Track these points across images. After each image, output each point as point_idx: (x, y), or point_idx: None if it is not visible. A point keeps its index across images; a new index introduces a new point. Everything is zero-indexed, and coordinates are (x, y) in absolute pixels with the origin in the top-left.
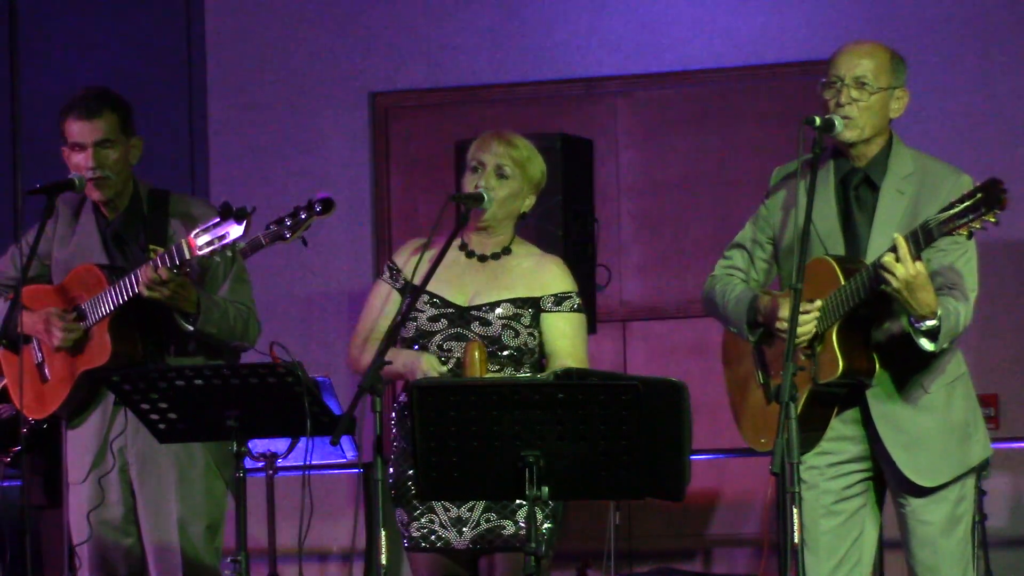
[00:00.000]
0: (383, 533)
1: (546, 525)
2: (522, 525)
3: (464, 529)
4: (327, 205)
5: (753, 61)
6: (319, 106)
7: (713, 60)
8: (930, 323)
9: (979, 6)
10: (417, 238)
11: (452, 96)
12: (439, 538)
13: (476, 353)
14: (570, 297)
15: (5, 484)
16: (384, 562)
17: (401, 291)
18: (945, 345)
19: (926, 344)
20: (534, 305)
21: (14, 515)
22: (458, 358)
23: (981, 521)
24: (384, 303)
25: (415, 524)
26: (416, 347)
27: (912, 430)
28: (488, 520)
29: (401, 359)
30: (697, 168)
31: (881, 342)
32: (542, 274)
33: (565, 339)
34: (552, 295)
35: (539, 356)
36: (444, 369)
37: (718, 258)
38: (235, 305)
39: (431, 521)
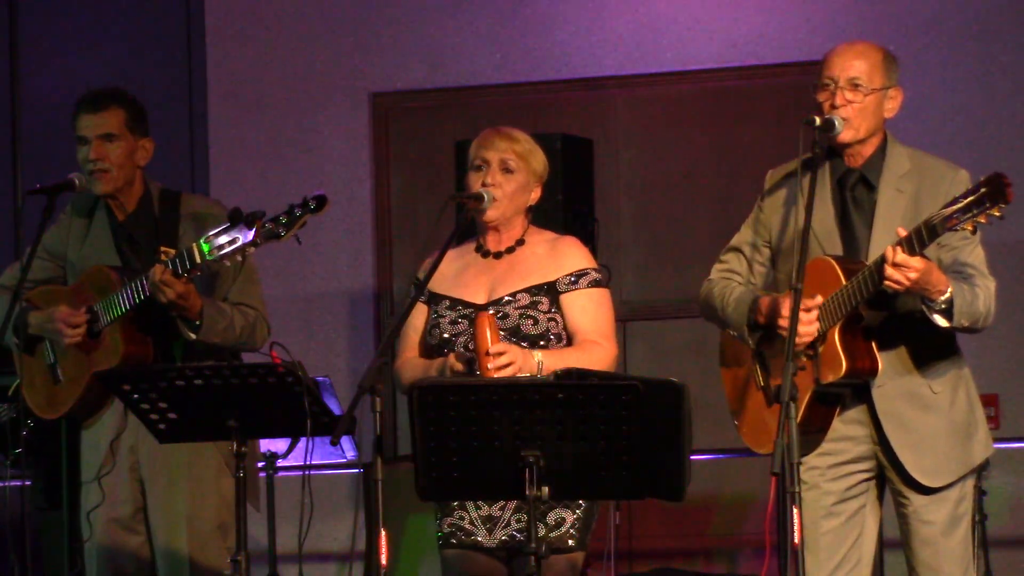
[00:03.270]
0: (383, 533)
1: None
2: (552, 526)
3: (494, 528)
4: (321, 202)
5: (752, 61)
6: (319, 106)
7: (713, 60)
8: (944, 297)
9: (979, 6)
10: (433, 250)
11: (452, 96)
12: (468, 535)
13: (486, 323)
14: (587, 274)
15: (5, 485)
16: (384, 562)
17: (427, 302)
18: (964, 323)
19: (940, 320)
20: (551, 289)
21: (15, 516)
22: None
23: (981, 521)
24: (418, 319)
25: (447, 520)
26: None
27: (919, 430)
28: (519, 520)
29: (434, 369)
30: (697, 167)
31: (885, 340)
32: (557, 257)
33: (586, 315)
34: (568, 274)
35: (567, 339)
36: (461, 365)
37: (718, 258)
38: (242, 311)
39: (461, 518)
